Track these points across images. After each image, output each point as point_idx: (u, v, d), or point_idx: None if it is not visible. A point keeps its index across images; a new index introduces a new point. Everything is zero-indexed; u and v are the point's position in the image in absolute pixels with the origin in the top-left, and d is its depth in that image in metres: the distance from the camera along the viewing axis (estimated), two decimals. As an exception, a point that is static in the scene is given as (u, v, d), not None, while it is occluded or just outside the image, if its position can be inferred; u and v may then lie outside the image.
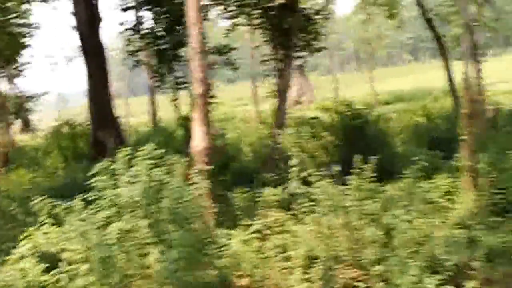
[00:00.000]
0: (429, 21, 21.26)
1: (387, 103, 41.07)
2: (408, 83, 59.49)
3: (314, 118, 22.16)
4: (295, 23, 16.92)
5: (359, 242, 9.31)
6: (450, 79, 22.90)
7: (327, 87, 61.09)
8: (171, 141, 21.26)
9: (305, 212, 10.40)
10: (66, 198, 9.82)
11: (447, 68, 22.61)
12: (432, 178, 13.44)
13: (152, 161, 9.29)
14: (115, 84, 50.93)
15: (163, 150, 9.63)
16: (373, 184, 10.01)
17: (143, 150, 9.54)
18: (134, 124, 45.09)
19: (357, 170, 9.99)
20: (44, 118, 44.23)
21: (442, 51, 22.61)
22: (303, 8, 18.03)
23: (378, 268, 8.74)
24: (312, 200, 10.07)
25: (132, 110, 61.78)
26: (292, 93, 47.87)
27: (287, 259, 9.94)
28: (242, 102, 62.86)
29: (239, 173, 16.10)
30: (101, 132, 20.91)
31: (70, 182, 17.38)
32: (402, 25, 40.72)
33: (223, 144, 16.65)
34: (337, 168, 10.20)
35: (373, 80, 52.73)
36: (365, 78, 60.60)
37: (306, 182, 10.43)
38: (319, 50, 19.68)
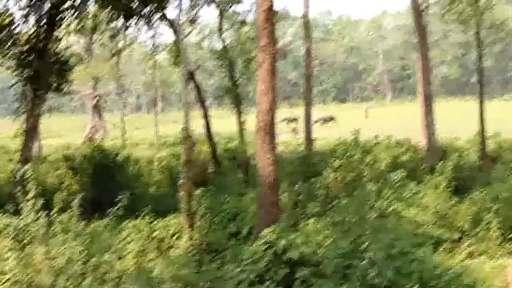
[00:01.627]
0: (190, 74, 23.07)
1: (172, 144, 42.57)
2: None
3: (85, 156, 23.28)
4: (43, 66, 18.08)
5: (56, 270, 10.66)
6: (208, 128, 24.95)
7: (128, 126, 61.92)
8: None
9: (18, 241, 11.68)
10: None
11: (205, 117, 24.66)
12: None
13: None
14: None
15: None
16: (74, 220, 11.46)
17: None
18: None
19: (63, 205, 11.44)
20: None
21: (201, 102, 24.63)
22: (56, 53, 19.07)
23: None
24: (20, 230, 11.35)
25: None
26: (86, 131, 48.83)
27: (4, 283, 11.14)
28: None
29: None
30: None
31: None
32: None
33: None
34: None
35: (171, 121, 54.48)
36: (168, 119, 62.35)
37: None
38: (68, 93, 20.77)
